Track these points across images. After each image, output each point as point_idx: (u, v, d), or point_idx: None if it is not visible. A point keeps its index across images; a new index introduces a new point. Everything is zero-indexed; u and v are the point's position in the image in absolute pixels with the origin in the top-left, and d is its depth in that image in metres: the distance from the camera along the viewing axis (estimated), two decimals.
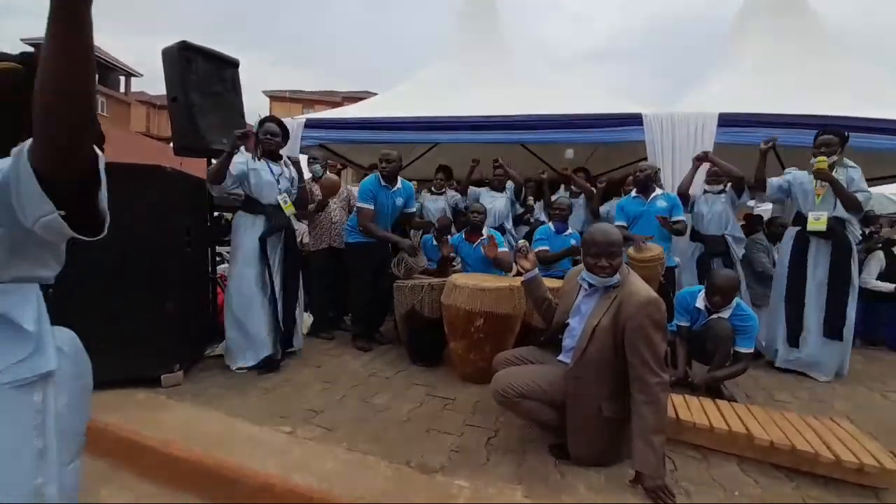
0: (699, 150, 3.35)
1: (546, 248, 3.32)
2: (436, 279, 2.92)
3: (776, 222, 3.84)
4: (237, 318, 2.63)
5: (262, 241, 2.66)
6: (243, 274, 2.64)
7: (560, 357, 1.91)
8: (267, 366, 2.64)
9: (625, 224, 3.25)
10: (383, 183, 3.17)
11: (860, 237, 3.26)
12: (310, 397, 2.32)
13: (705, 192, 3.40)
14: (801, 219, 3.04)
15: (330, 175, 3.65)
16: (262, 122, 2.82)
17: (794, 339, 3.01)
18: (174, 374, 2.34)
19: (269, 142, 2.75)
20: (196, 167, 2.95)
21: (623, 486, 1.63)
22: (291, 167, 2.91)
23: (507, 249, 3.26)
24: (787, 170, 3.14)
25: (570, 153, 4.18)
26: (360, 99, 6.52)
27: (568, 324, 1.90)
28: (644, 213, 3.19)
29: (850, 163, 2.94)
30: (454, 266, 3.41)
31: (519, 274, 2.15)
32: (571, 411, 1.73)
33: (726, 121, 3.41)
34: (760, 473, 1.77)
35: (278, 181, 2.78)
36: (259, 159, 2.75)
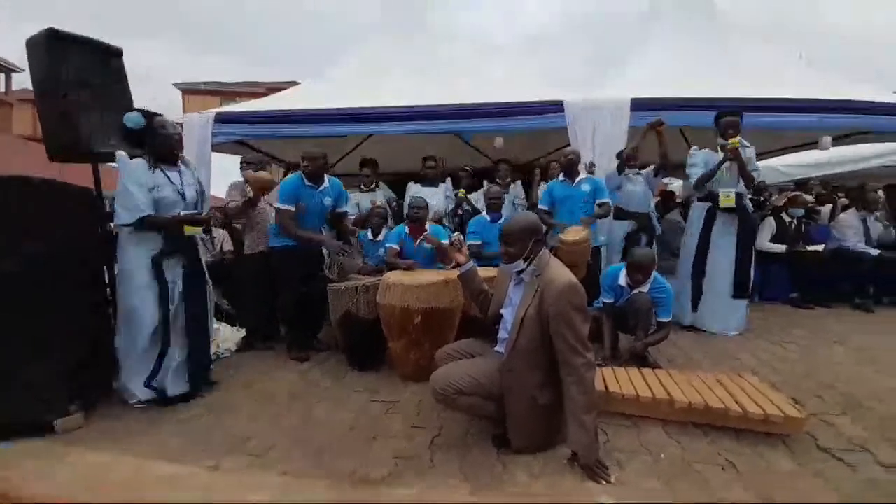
0: (616, 134, 3.54)
1: (479, 241, 3.35)
2: (371, 279, 2.82)
3: (690, 202, 4.18)
4: (129, 349, 2.29)
5: (156, 263, 2.28)
6: (133, 301, 2.27)
7: (496, 348, 1.92)
8: (170, 399, 2.32)
9: (547, 209, 3.38)
10: (307, 182, 2.98)
11: (752, 207, 3.67)
12: (239, 421, 2.14)
13: (626, 173, 3.60)
14: (709, 194, 3.33)
15: (260, 172, 3.35)
16: (152, 115, 2.37)
17: (696, 303, 3.35)
18: (71, 417, 2.03)
19: (172, 141, 2.36)
20: (82, 175, 2.56)
21: (561, 467, 1.68)
22: (192, 168, 2.52)
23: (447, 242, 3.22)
24: (691, 151, 3.41)
25: (499, 141, 4.22)
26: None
27: (502, 315, 1.91)
28: (570, 196, 3.34)
29: (746, 142, 3.27)
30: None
31: (456, 267, 2.13)
32: (508, 402, 1.74)
33: (638, 105, 3.61)
34: (682, 433, 1.91)
35: (183, 194, 2.37)
36: (154, 168, 2.31)
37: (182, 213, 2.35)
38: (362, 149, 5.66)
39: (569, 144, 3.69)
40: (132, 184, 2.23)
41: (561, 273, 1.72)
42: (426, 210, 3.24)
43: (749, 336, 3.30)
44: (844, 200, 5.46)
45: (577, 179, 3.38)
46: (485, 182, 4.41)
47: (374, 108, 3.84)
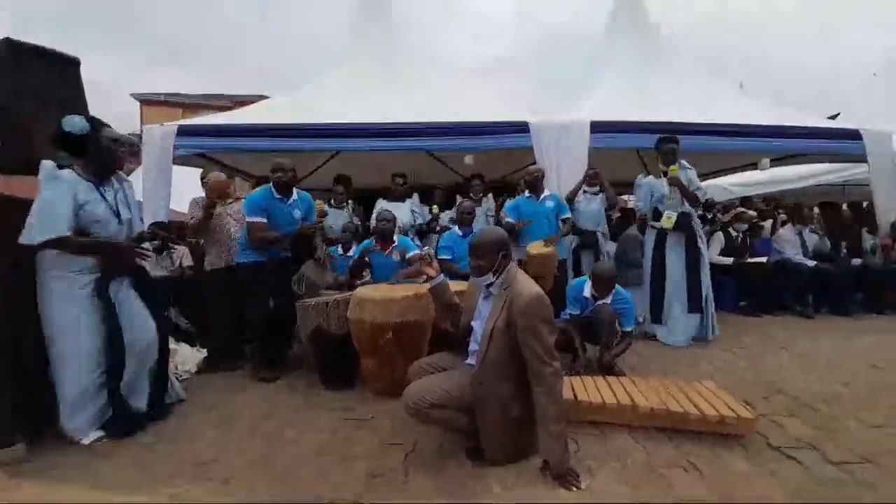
0: (577, 153, 3.75)
1: (449, 256, 3.40)
2: (341, 294, 2.79)
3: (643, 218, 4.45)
4: (67, 384, 2.05)
5: (103, 287, 2.07)
6: (64, 331, 2.02)
7: (468, 361, 1.94)
8: (121, 429, 2.11)
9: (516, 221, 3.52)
10: (277, 194, 2.94)
11: (702, 223, 3.94)
12: (201, 447, 2.03)
13: (585, 192, 3.81)
14: (660, 214, 3.55)
15: (216, 174, 3.25)
16: (102, 124, 2.16)
17: (658, 316, 3.52)
18: (13, 448, 1.86)
19: (120, 153, 2.20)
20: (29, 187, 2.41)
21: (533, 477, 1.70)
22: (125, 184, 2.32)
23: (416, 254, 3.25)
24: (637, 180, 3.68)
25: (469, 159, 4.34)
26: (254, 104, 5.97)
27: (473, 327, 1.94)
28: (536, 212, 3.51)
29: (687, 164, 3.52)
30: (364, 277, 3.31)
31: (426, 281, 2.14)
32: (481, 415, 1.76)
33: (597, 128, 3.84)
34: (647, 439, 1.99)
35: (117, 212, 2.17)
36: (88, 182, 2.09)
37: (123, 234, 2.21)
38: (330, 165, 5.64)
39: (535, 162, 3.85)
40: (60, 197, 1.98)
41: (528, 285, 1.78)
42: (393, 223, 3.27)
43: (705, 344, 3.48)
44: (784, 216, 5.93)
45: (542, 196, 3.54)
46: (458, 197, 4.50)
47: (343, 125, 3.86)
